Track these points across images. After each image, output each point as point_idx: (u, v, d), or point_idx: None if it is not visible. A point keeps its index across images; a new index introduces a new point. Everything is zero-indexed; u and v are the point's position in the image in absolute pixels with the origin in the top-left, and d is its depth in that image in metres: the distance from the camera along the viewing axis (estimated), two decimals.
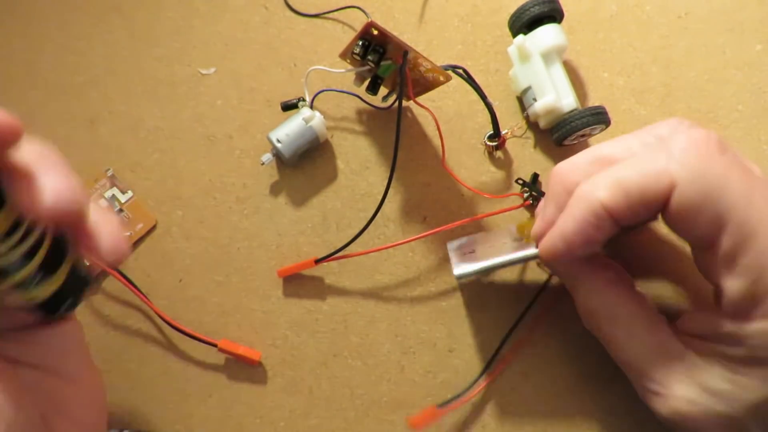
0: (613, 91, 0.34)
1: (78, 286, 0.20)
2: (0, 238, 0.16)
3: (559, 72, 0.31)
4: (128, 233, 0.32)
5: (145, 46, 0.35)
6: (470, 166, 0.33)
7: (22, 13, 0.36)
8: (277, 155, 0.32)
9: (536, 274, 0.31)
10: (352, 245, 0.30)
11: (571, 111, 0.31)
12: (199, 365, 0.31)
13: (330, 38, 0.35)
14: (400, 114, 0.29)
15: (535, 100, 0.31)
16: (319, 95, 0.33)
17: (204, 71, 0.35)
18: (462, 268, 0.28)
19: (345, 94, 0.34)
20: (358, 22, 0.35)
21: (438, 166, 0.33)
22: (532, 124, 0.33)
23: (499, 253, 0.28)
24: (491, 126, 0.32)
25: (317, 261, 0.31)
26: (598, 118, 0.30)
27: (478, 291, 0.32)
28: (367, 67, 0.30)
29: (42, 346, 0.21)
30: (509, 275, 0.32)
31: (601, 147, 0.24)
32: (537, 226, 0.25)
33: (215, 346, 0.31)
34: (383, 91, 0.31)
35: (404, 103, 0.33)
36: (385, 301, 0.32)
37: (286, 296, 0.32)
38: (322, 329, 0.32)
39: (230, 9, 0.35)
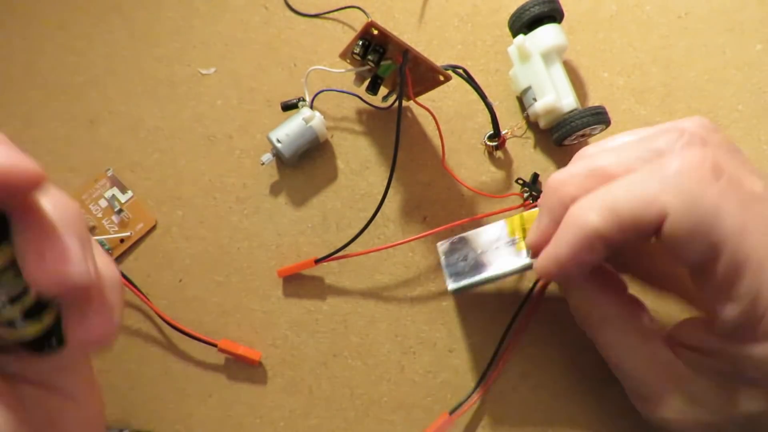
0: (613, 91, 0.34)
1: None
2: (1, 277, 0.16)
3: (559, 72, 0.31)
4: (128, 233, 0.32)
5: (145, 46, 0.35)
6: (470, 166, 0.33)
7: (22, 13, 0.36)
8: (277, 155, 0.32)
9: (536, 274, 0.31)
10: (352, 245, 0.30)
11: (571, 111, 0.31)
12: (199, 365, 0.31)
13: (330, 38, 0.35)
14: (400, 114, 0.29)
15: (535, 100, 0.31)
16: (319, 95, 0.33)
17: (204, 71, 0.35)
18: (456, 282, 0.28)
19: (345, 94, 0.34)
20: (358, 22, 0.35)
21: (438, 166, 0.33)
22: (532, 124, 0.33)
23: (493, 263, 0.28)
24: (491, 126, 0.32)
25: (317, 261, 0.31)
26: (598, 118, 0.30)
27: (478, 290, 0.32)
28: (367, 67, 0.30)
29: (44, 362, 0.20)
30: None
31: (597, 158, 0.23)
32: (531, 235, 0.25)
33: (215, 346, 0.31)
34: (383, 91, 0.31)
35: (404, 103, 0.33)
36: (385, 301, 0.32)
37: (286, 296, 0.32)
38: (322, 329, 0.32)
39: (230, 9, 0.35)
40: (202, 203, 0.33)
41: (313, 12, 0.35)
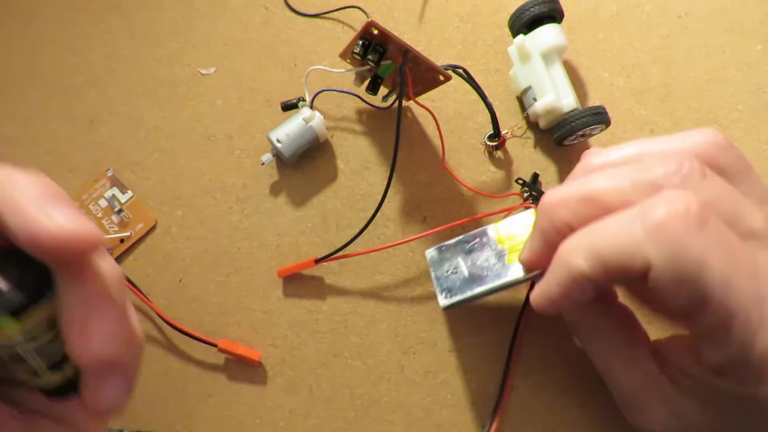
0: (613, 91, 0.34)
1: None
2: (36, 331, 0.16)
3: (559, 72, 0.31)
4: (128, 233, 0.32)
5: (145, 46, 0.35)
6: (470, 166, 0.33)
7: (22, 13, 0.36)
8: (277, 155, 0.32)
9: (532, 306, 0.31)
10: (352, 245, 0.30)
11: (571, 111, 0.31)
12: (199, 365, 0.31)
13: (330, 38, 0.35)
14: (400, 114, 0.29)
15: (535, 100, 0.31)
16: (319, 95, 0.33)
17: (204, 71, 0.35)
18: (448, 298, 0.27)
19: (345, 94, 0.34)
20: (358, 22, 0.35)
21: (438, 165, 0.33)
22: (532, 124, 0.33)
23: (485, 276, 0.27)
24: (491, 126, 0.32)
25: (317, 261, 0.31)
26: (598, 118, 0.30)
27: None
28: (367, 67, 0.30)
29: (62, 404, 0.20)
30: None
31: (593, 180, 0.23)
32: (525, 254, 0.25)
33: (215, 346, 0.31)
34: (383, 91, 0.31)
35: (404, 103, 0.33)
36: (385, 301, 0.32)
37: (286, 296, 0.32)
38: (322, 329, 0.32)
39: (230, 9, 0.35)
40: (202, 203, 0.33)
41: (313, 12, 0.35)
